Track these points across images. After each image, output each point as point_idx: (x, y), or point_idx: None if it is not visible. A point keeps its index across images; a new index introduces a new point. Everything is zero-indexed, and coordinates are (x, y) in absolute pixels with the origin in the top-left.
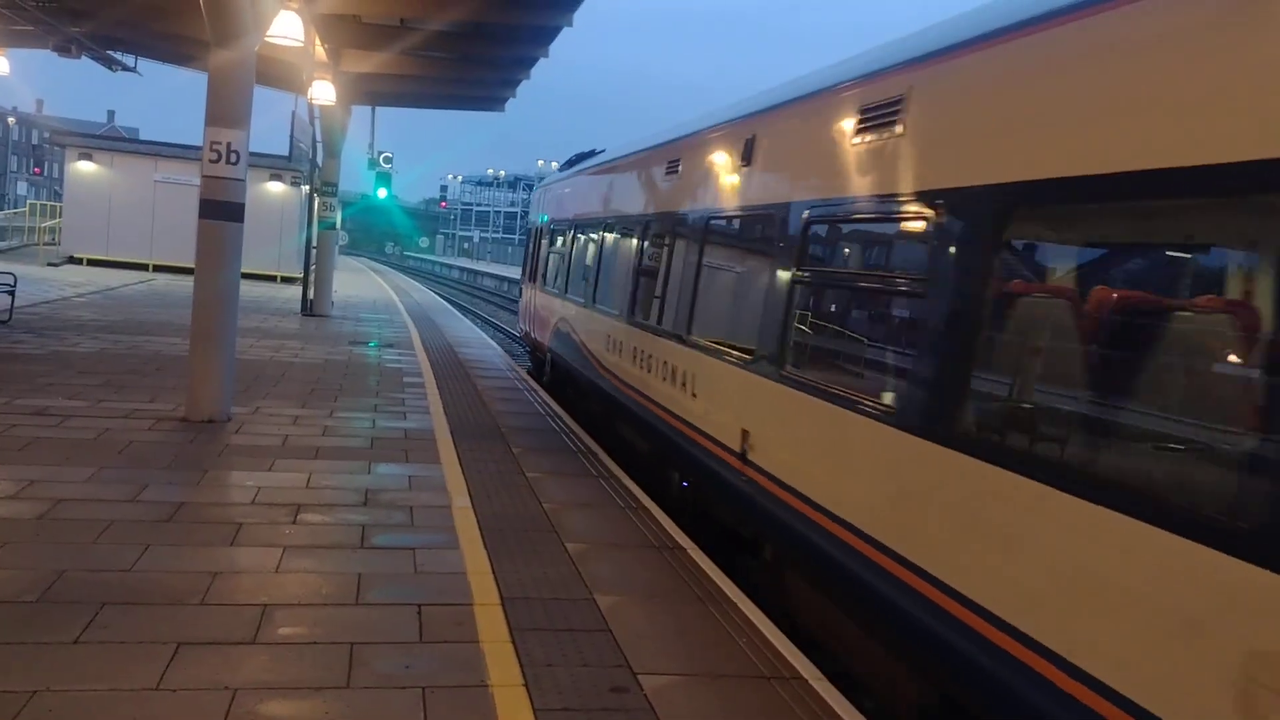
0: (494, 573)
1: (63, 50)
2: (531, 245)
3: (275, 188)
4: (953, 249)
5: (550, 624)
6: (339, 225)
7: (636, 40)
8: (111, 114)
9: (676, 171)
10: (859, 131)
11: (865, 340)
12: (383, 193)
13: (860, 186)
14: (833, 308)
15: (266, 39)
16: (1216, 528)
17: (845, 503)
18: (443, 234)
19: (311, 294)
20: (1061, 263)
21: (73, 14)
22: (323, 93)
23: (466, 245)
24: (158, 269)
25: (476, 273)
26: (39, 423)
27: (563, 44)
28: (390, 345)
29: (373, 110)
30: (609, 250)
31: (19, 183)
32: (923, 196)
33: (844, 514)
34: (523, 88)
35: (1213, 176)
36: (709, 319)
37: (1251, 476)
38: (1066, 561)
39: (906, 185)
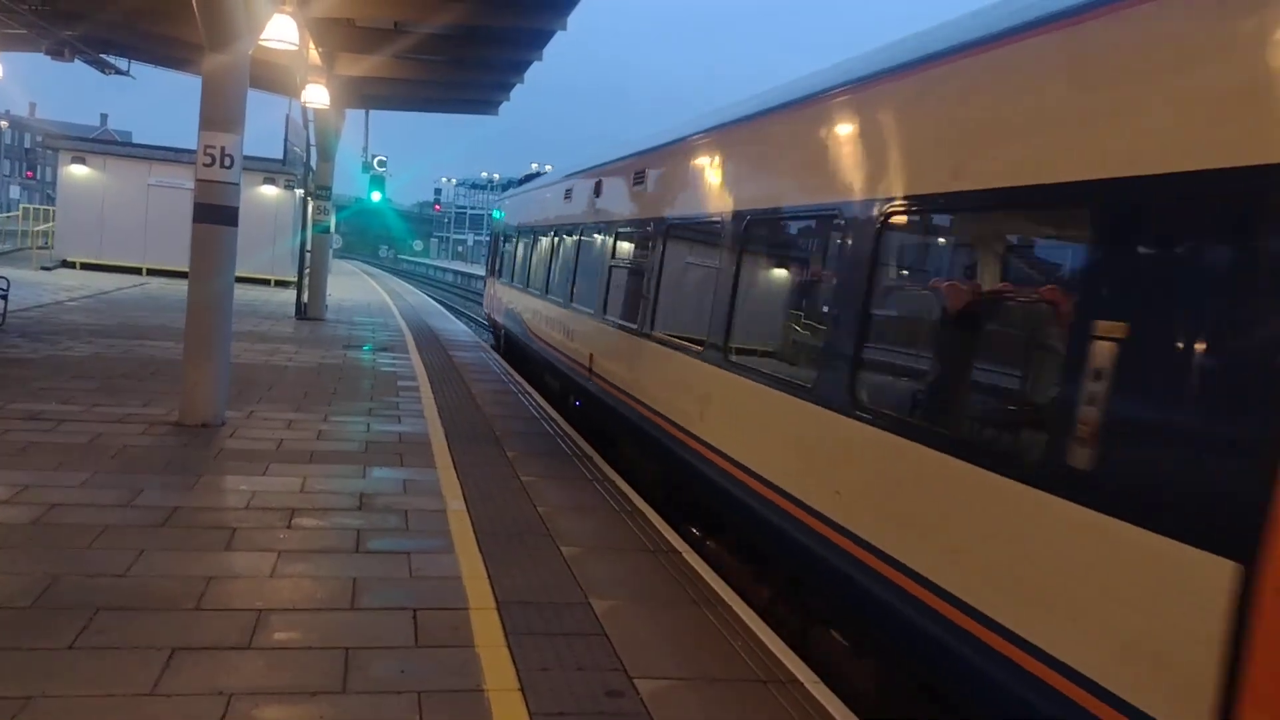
0: (489, 577)
1: (55, 53)
2: (490, 248)
3: (269, 191)
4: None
5: (546, 628)
6: (333, 229)
7: (632, 40)
8: (104, 117)
9: (577, 194)
10: (696, 170)
11: (635, 292)
12: (376, 196)
13: (691, 208)
14: (635, 282)
15: (260, 42)
16: (1015, 460)
17: (630, 383)
18: (437, 237)
19: (305, 298)
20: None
21: (65, 17)
22: (316, 96)
23: (460, 248)
24: (151, 273)
25: (470, 276)
26: (32, 427)
27: (558, 45)
28: (384, 349)
29: (366, 114)
30: (533, 250)
31: (11, 187)
32: (724, 216)
33: (631, 390)
34: (517, 90)
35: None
36: (580, 291)
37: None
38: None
39: (715, 207)
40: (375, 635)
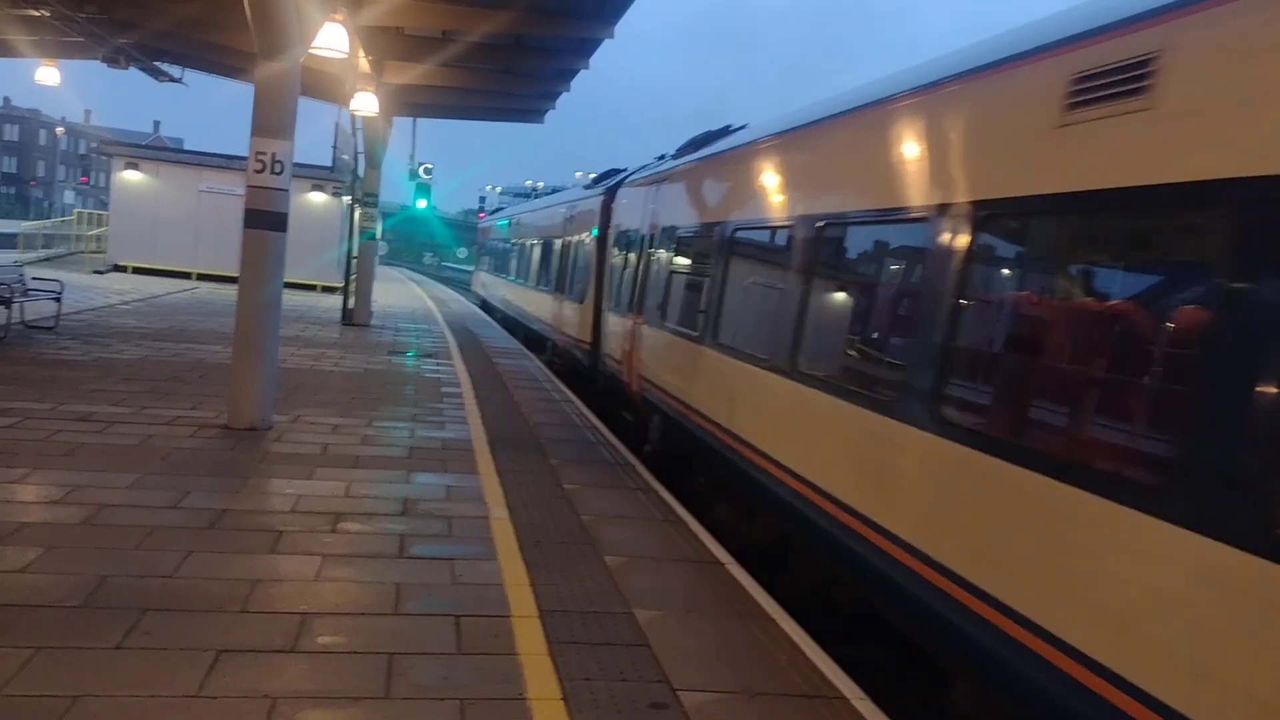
0: (531, 585)
1: (111, 61)
2: (476, 251)
3: (317, 198)
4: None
5: (588, 638)
6: (379, 236)
7: (677, 54)
8: (157, 124)
9: (517, 223)
10: (632, 199)
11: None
12: (422, 203)
13: (641, 222)
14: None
15: (311, 51)
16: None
17: (528, 315)
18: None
19: (351, 304)
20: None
21: (122, 25)
22: (365, 104)
23: None
24: (201, 277)
25: None
26: (83, 429)
27: (606, 55)
28: (428, 355)
29: (414, 122)
30: (505, 250)
31: (66, 191)
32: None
33: (521, 314)
34: (563, 99)
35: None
36: (552, 279)
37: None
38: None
39: (637, 225)
40: (418, 641)
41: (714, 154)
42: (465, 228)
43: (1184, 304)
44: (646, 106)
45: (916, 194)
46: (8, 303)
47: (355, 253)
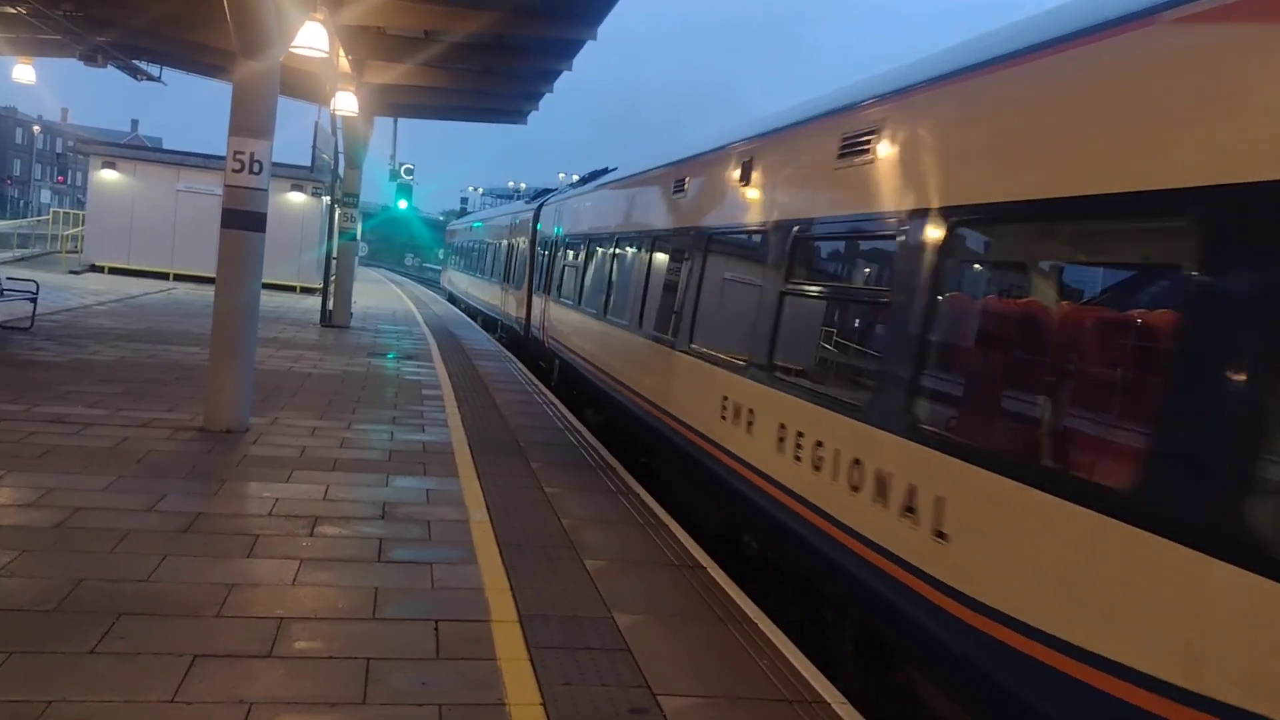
0: (512, 589)
1: (89, 59)
2: (444, 250)
3: (296, 198)
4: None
5: (568, 642)
6: (359, 236)
7: (664, 51)
8: (135, 123)
9: (479, 227)
10: (548, 215)
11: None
12: (403, 204)
13: (552, 231)
14: (515, 263)
15: (291, 50)
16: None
17: (477, 298)
18: None
19: (331, 305)
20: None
21: (99, 23)
22: (345, 103)
23: None
24: (178, 278)
25: None
26: (58, 430)
27: (588, 55)
28: (408, 357)
29: (395, 122)
30: (466, 250)
31: (42, 190)
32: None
33: (470, 296)
34: (546, 99)
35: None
36: (500, 273)
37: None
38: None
39: (549, 233)
40: (396, 646)
41: (587, 189)
42: (447, 229)
43: (893, 291)
44: (649, 103)
45: (731, 216)
46: None
47: (335, 253)
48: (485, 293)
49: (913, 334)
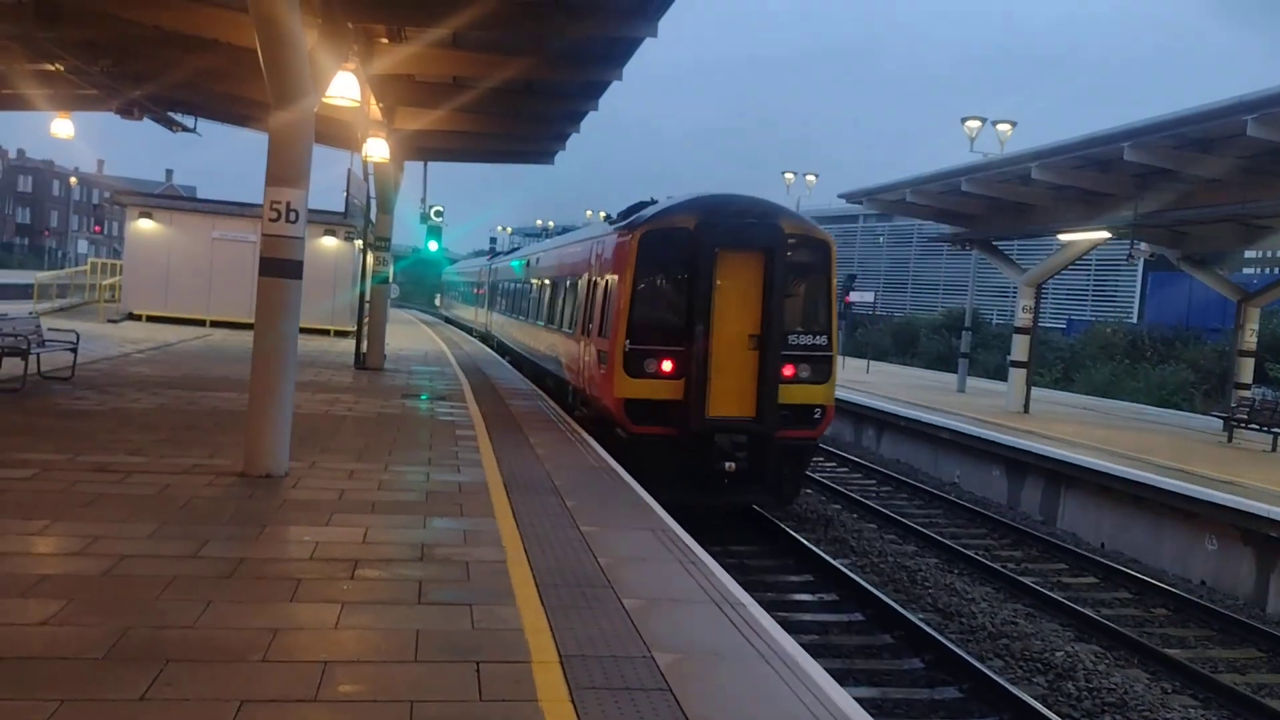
0: (551, 630)
1: (125, 113)
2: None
3: (329, 243)
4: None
5: (609, 683)
6: (391, 279)
7: (693, 92)
8: (169, 173)
9: (463, 272)
10: (494, 264)
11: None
12: (434, 246)
13: (495, 276)
14: (483, 294)
15: (324, 99)
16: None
17: (520, 340)
18: None
19: (365, 347)
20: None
21: (135, 78)
22: (377, 150)
23: None
24: (214, 324)
25: None
26: (102, 479)
27: (619, 94)
28: (441, 398)
29: (424, 166)
30: (455, 286)
31: (80, 241)
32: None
33: (514, 340)
34: (574, 139)
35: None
36: (475, 301)
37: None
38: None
39: (494, 278)
40: (439, 689)
41: (502, 255)
42: (443, 273)
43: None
44: (685, 141)
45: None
46: (25, 354)
47: (368, 296)
48: (466, 314)
49: (577, 303)
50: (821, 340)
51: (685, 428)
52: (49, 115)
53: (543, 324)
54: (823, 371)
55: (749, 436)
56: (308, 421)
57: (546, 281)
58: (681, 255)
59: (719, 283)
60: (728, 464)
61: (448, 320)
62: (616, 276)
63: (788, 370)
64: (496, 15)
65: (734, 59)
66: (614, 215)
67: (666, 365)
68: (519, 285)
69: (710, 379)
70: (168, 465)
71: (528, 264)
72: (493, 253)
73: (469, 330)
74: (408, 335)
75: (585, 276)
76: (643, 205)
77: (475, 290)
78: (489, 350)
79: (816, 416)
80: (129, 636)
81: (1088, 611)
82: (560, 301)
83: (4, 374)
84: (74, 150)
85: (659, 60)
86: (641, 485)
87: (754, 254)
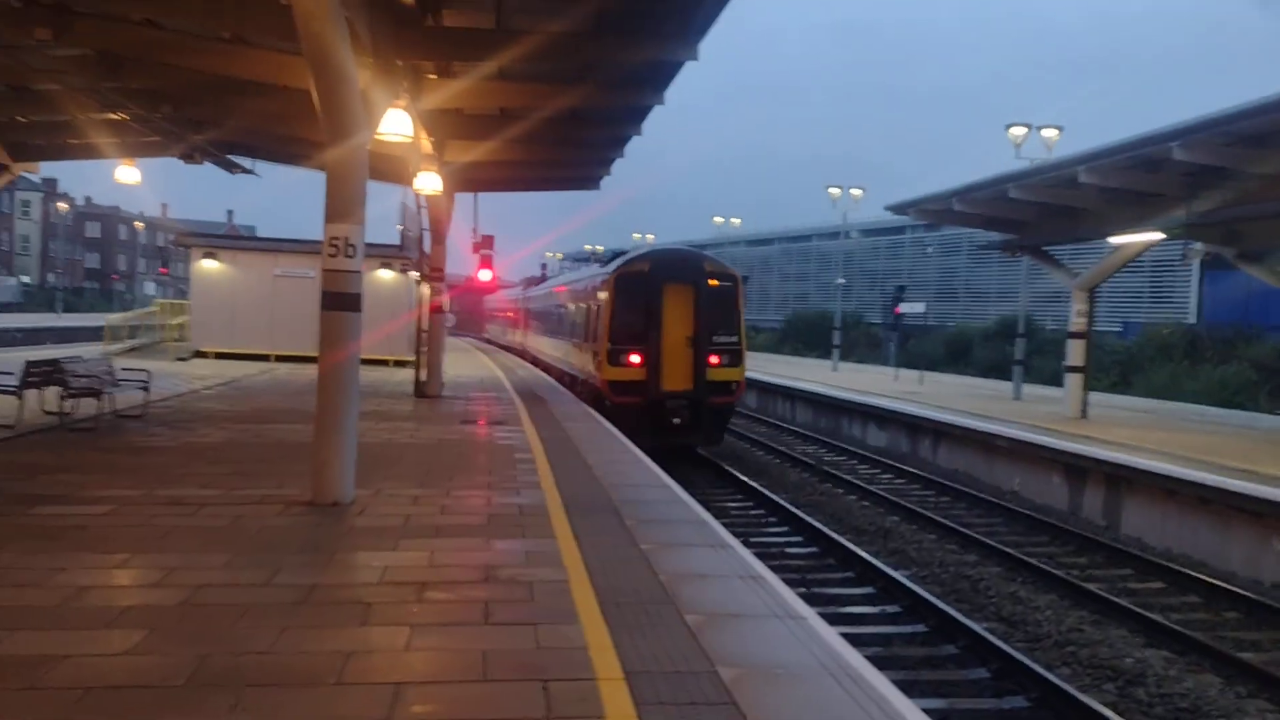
0: (615, 647)
1: (187, 157)
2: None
3: (385, 275)
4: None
5: (674, 698)
6: (447, 308)
7: (741, 112)
8: (230, 213)
9: (510, 297)
10: (531, 291)
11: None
12: (486, 274)
13: (531, 302)
14: (522, 318)
15: (377, 136)
16: (571, 336)
17: (544, 350)
18: None
19: (423, 376)
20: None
21: (196, 123)
22: (429, 183)
23: None
24: (279, 359)
25: None
26: (176, 511)
27: (665, 117)
28: (500, 422)
29: (475, 196)
30: (495, 311)
31: (147, 283)
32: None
33: (540, 351)
34: (620, 164)
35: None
36: (512, 324)
37: (575, 345)
38: (559, 350)
39: (530, 304)
40: (508, 707)
41: (537, 281)
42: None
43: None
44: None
45: (553, 300)
46: (99, 394)
47: (424, 326)
48: (505, 336)
49: (579, 321)
50: (733, 340)
51: (647, 397)
52: (114, 162)
53: (557, 336)
54: (735, 359)
55: (688, 401)
56: (371, 450)
57: (558, 305)
58: (642, 288)
59: (665, 305)
60: (675, 419)
61: (488, 341)
62: (601, 303)
63: (713, 359)
64: (539, 49)
65: (773, 77)
66: (605, 258)
67: (635, 358)
68: (540, 308)
69: (662, 366)
70: (238, 497)
71: (546, 294)
72: (525, 284)
73: (507, 347)
74: (464, 363)
75: (585, 302)
76: (619, 254)
77: (510, 314)
78: (541, 374)
79: (733, 388)
80: (207, 664)
81: (1156, 616)
82: (568, 319)
83: (80, 414)
84: (139, 195)
85: (700, 81)
86: (622, 433)
87: (687, 285)
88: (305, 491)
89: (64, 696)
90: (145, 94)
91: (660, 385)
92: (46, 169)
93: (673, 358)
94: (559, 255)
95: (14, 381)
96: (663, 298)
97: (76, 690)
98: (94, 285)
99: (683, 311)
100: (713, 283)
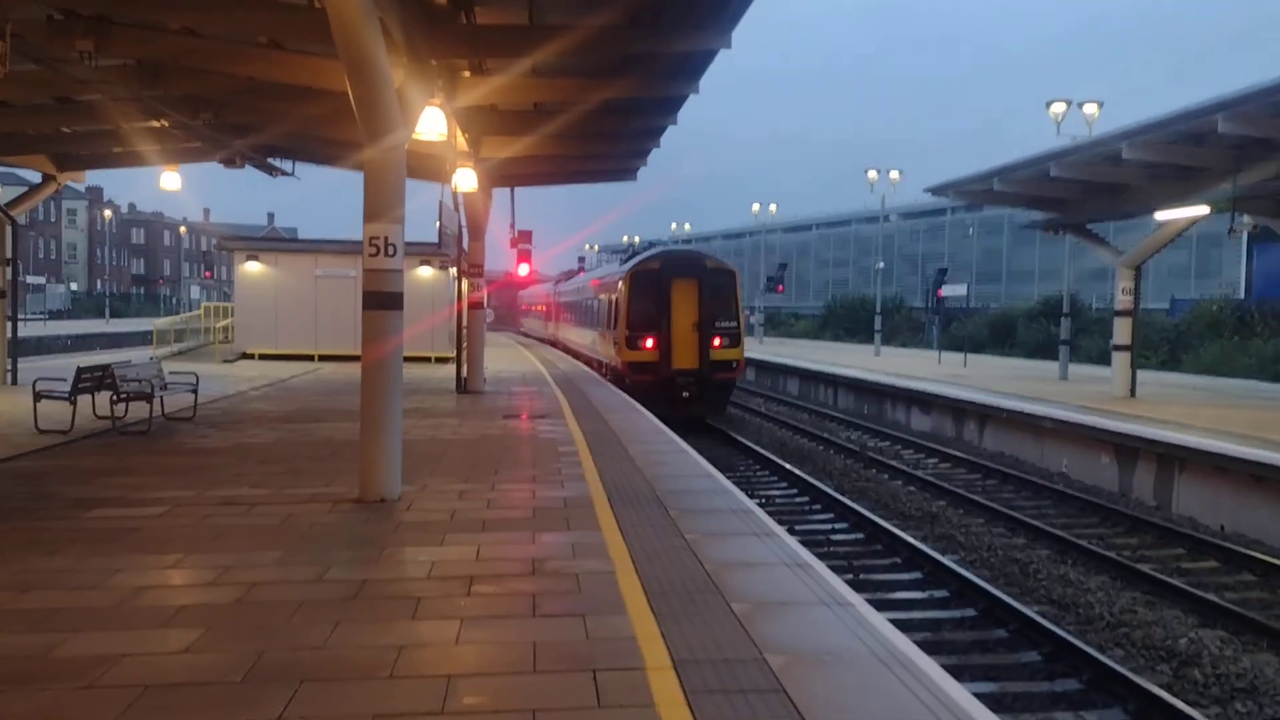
0: (663, 636)
1: (228, 162)
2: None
3: (425, 273)
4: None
5: (723, 686)
6: (486, 304)
7: (787, 99)
8: (271, 216)
9: (541, 293)
10: (562, 285)
11: (559, 319)
12: (524, 269)
13: (561, 295)
14: (552, 310)
15: (414, 136)
16: (595, 325)
17: (573, 339)
18: None
19: (464, 372)
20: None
21: (236, 129)
22: (465, 180)
23: None
24: (322, 358)
25: None
26: (229, 511)
27: (701, 105)
28: (541, 416)
29: (511, 191)
30: (525, 306)
31: (192, 287)
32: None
33: (569, 340)
34: (656, 155)
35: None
36: (546, 315)
37: (600, 332)
38: (586, 338)
39: (560, 296)
40: (559, 697)
41: (566, 277)
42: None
43: (596, 305)
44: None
45: (581, 292)
46: (149, 398)
47: (465, 322)
48: (539, 328)
49: (602, 312)
50: (732, 325)
51: (660, 375)
52: (157, 169)
53: (584, 326)
54: (735, 341)
55: (696, 378)
56: (416, 447)
57: (584, 299)
58: (654, 283)
59: (674, 296)
60: (685, 393)
61: (524, 334)
62: (620, 296)
63: (716, 341)
64: (573, 44)
65: (808, 61)
66: (623, 256)
67: (649, 342)
68: (568, 301)
69: (672, 348)
70: (288, 496)
71: (574, 289)
72: (556, 280)
73: (540, 338)
74: (505, 357)
75: (606, 296)
76: (635, 253)
77: (542, 308)
78: (582, 367)
79: (733, 366)
80: (264, 660)
81: (1210, 596)
82: (593, 311)
83: (132, 418)
84: (181, 201)
85: (736, 68)
86: (639, 404)
87: (692, 280)
88: (353, 489)
89: (123, 695)
90: (186, 101)
91: (671, 364)
92: (91, 177)
93: (681, 341)
94: (595, 248)
95: (66, 388)
96: (671, 291)
97: (136, 688)
98: (140, 291)
99: (689, 302)
100: (714, 277)
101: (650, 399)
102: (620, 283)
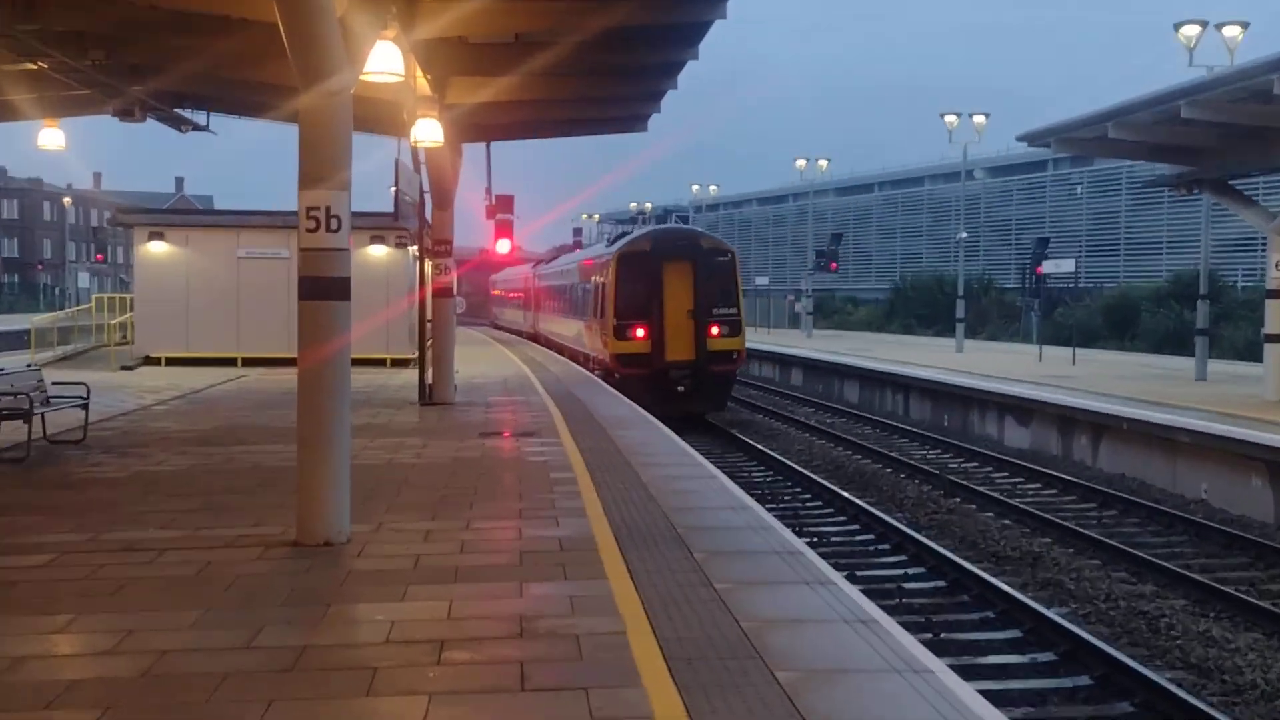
0: (689, 716)
1: (124, 114)
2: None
3: (378, 252)
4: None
5: None
6: (456, 290)
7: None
8: (180, 181)
9: (519, 277)
10: (540, 269)
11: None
12: (504, 245)
13: (540, 280)
14: (532, 298)
15: (362, 77)
16: (580, 315)
17: (555, 331)
18: None
19: (430, 378)
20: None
21: (134, 71)
22: (428, 133)
23: None
24: (247, 362)
25: None
26: (130, 560)
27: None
28: (528, 433)
29: (487, 147)
30: (505, 292)
31: (80, 273)
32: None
33: (551, 332)
34: (677, 100)
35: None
36: (525, 304)
37: (584, 324)
38: (570, 330)
39: (540, 282)
40: None
41: (545, 261)
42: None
43: (575, 289)
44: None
45: (559, 276)
46: (27, 415)
47: (429, 314)
48: (517, 318)
49: (587, 299)
50: (732, 311)
51: (652, 367)
52: (34, 125)
53: (568, 315)
54: (735, 330)
55: (691, 370)
56: (370, 474)
57: (568, 284)
58: (644, 266)
59: (666, 281)
60: (679, 388)
61: (499, 326)
62: (607, 281)
63: (714, 330)
64: None
65: None
66: (609, 237)
67: (639, 332)
68: (550, 286)
69: (665, 338)
70: (207, 538)
71: (556, 272)
72: (537, 262)
73: (518, 331)
74: (481, 358)
75: (591, 281)
76: (623, 235)
77: (521, 294)
78: (578, 369)
79: (733, 357)
80: None
81: None
82: (577, 298)
83: (4, 441)
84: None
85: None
86: (627, 398)
87: (686, 262)
88: (289, 529)
89: None
90: (70, 37)
91: (664, 356)
92: None
93: (675, 330)
94: (595, 217)
95: None
96: (664, 274)
97: None
98: (13, 279)
99: (683, 287)
100: (710, 258)
101: (641, 395)
102: (607, 266)
